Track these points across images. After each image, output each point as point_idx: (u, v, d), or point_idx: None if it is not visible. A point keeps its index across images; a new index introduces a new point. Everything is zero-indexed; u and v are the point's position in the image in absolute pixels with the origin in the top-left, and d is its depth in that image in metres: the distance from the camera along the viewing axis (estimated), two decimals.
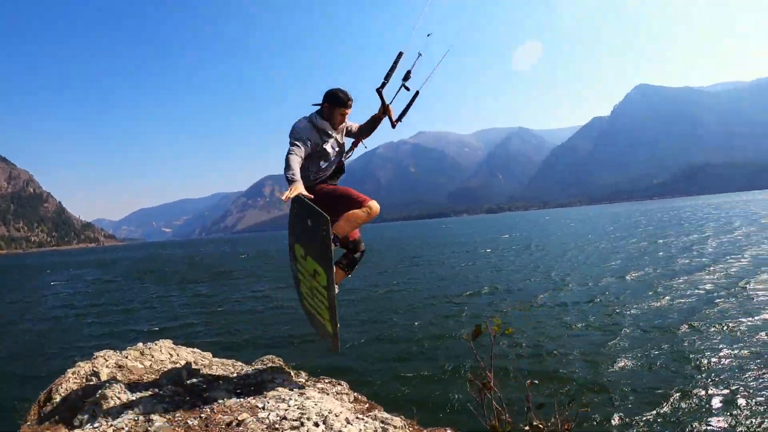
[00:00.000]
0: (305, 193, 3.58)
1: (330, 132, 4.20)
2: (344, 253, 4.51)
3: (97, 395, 3.33)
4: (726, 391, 8.79)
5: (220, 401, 3.37)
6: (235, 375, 4.36)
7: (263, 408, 3.17)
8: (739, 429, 7.54)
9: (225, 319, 18.79)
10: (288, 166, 3.70)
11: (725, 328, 12.79)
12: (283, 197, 3.52)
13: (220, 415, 3.14)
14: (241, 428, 2.91)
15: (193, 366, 4.57)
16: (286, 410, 3.09)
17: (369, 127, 4.67)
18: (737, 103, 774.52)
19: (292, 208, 3.74)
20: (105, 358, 4.46)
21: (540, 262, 30.35)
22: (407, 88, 4.56)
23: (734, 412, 7.99)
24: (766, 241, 31.42)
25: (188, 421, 3.07)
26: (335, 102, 4.15)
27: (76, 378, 4.07)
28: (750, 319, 13.37)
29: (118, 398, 3.32)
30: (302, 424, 2.88)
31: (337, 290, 3.95)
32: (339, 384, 4.58)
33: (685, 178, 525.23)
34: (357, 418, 3.18)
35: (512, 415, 3.29)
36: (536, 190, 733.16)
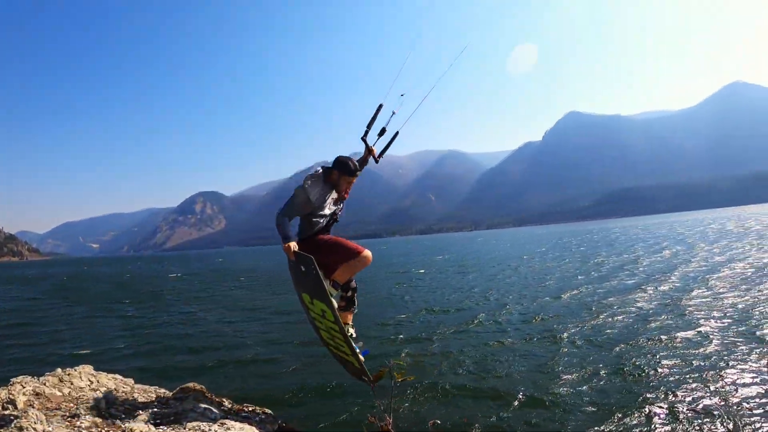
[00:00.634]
0: (295, 247, 4.29)
1: (333, 194, 4.77)
2: (340, 296, 4.97)
3: (12, 426, 3.27)
4: (664, 404, 9.33)
5: None
6: (156, 403, 4.32)
7: None
8: None
9: (151, 342, 18.17)
10: (281, 227, 4.37)
11: (661, 343, 13.48)
12: (290, 255, 4.29)
13: None
14: None
15: (114, 394, 4.52)
16: None
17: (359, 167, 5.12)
18: (664, 131, 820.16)
19: (290, 262, 4.45)
20: (22, 385, 4.36)
21: (476, 283, 30.78)
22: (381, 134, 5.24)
23: (674, 424, 8.50)
24: (693, 260, 33.04)
25: None
26: (345, 171, 4.76)
27: None
28: (683, 333, 14.19)
29: (34, 430, 3.26)
30: None
31: (353, 332, 4.75)
32: (264, 412, 4.58)
33: (613, 200, 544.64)
34: None
35: None
36: (468, 212, 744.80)
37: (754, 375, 10.32)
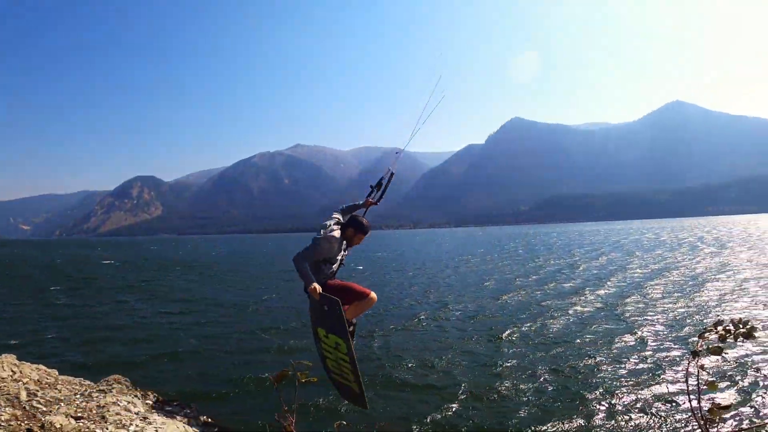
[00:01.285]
0: (320, 289, 4.87)
1: (346, 246, 5.41)
2: None
3: None
4: (599, 402, 9.89)
5: (58, 426, 3.28)
6: (79, 396, 4.24)
7: None
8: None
9: (81, 333, 17.60)
10: (304, 271, 4.92)
11: (596, 345, 14.08)
12: (316, 296, 4.84)
13: None
14: None
15: (36, 385, 4.42)
16: None
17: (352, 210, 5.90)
18: (604, 142, 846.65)
19: (311, 301, 5.03)
20: None
21: (416, 281, 31.14)
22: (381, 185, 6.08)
23: (607, 421, 9.05)
24: (629, 267, 34.54)
25: None
26: (361, 229, 5.44)
27: None
28: (618, 336, 14.89)
29: None
30: None
31: None
32: (188, 407, 4.56)
33: (551, 206, 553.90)
34: None
35: None
36: (409, 210, 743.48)
37: (681, 376, 10.95)
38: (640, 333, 15.31)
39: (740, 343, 12.21)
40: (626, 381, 11.02)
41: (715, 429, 2.84)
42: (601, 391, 10.47)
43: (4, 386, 4.25)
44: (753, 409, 9.48)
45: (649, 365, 12.06)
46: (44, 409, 3.75)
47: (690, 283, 25.62)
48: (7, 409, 3.55)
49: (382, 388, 11.05)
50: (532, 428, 8.84)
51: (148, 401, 4.47)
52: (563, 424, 8.97)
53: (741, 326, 2.60)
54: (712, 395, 9.27)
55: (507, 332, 15.98)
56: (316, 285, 4.85)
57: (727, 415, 9.01)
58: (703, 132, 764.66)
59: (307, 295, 4.99)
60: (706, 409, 2.71)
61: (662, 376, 11.16)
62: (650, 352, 13.11)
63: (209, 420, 4.64)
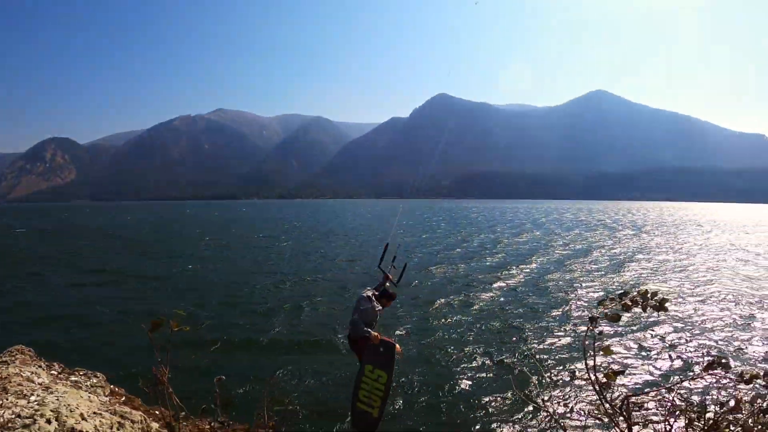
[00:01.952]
0: (380, 336, 6.69)
1: (379, 307, 7.25)
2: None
3: None
4: (518, 366, 10.74)
5: None
6: None
7: (0, 405, 3.06)
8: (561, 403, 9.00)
9: None
10: (363, 328, 6.66)
11: (520, 314, 15.06)
12: (377, 342, 6.63)
13: None
14: None
15: None
16: (23, 407, 3.03)
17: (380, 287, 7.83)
18: (526, 124, 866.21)
19: (370, 346, 6.67)
20: None
21: (340, 251, 32.03)
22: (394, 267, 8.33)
23: (525, 384, 9.84)
24: (551, 244, 36.06)
25: None
26: (391, 298, 7.55)
27: None
28: (541, 311, 15.68)
29: None
30: (35, 421, 2.84)
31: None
32: (95, 376, 4.53)
33: (470, 182, 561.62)
34: (95, 413, 3.21)
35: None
36: (329, 180, 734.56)
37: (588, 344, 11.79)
38: (560, 308, 16.13)
39: (651, 315, 13.36)
40: (541, 350, 11.80)
41: (610, 392, 2.96)
42: (518, 358, 11.27)
43: None
44: (649, 375, 10.32)
45: (565, 336, 12.90)
46: None
47: (610, 262, 27.07)
48: None
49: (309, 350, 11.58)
50: (458, 390, 9.52)
51: (53, 371, 4.39)
52: (478, 387, 9.66)
53: (651, 298, 2.74)
54: (610, 361, 10.20)
55: (436, 304, 16.59)
56: (376, 334, 6.68)
57: (627, 381, 9.91)
58: (623, 122, 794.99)
59: (360, 343, 6.86)
60: (602, 374, 2.91)
61: (574, 346, 11.99)
62: (570, 326, 13.94)
63: (115, 389, 4.59)
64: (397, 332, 13.30)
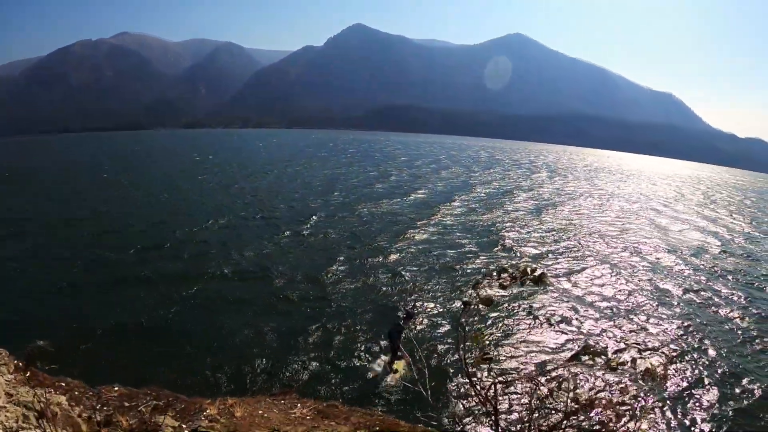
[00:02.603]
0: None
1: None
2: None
3: None
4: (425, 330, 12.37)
5: None
6: None
7: None
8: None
9: None
10: (399, 346, 11.07)
11: (429, 257, 16.44)
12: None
13: None
14: None
15: None
16: None
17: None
18: (442, 60, 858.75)
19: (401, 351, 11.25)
20: None
21: (260, 185, 33.29)
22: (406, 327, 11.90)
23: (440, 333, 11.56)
24: (473, 182, 37.44)
25: None
26: (414, 321, 12.13)
27: None
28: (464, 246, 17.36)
29: None
30: None
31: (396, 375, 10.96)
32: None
33: (384, 115, 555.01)
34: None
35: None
36: (239, 108, 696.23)
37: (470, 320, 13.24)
38: (467, 265, 17.50)
39: (529, 288, 14.14)
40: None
41: (479, 376, 3.38)
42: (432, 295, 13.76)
43: None
44: (521, 359, 11.15)
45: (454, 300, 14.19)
46: None
47: (528, 206, 28.37)
48: None
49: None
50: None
51: None
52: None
53: (530, 273, 2.84)
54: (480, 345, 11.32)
55: (367, 244, 17.99)
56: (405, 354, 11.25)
57: (497, 366, 10.71)
58: (539, 66, 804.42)
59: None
60: (472, 360, 3.06)
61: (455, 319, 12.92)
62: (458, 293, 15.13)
63: (19, 363, 4.88)
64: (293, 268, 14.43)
